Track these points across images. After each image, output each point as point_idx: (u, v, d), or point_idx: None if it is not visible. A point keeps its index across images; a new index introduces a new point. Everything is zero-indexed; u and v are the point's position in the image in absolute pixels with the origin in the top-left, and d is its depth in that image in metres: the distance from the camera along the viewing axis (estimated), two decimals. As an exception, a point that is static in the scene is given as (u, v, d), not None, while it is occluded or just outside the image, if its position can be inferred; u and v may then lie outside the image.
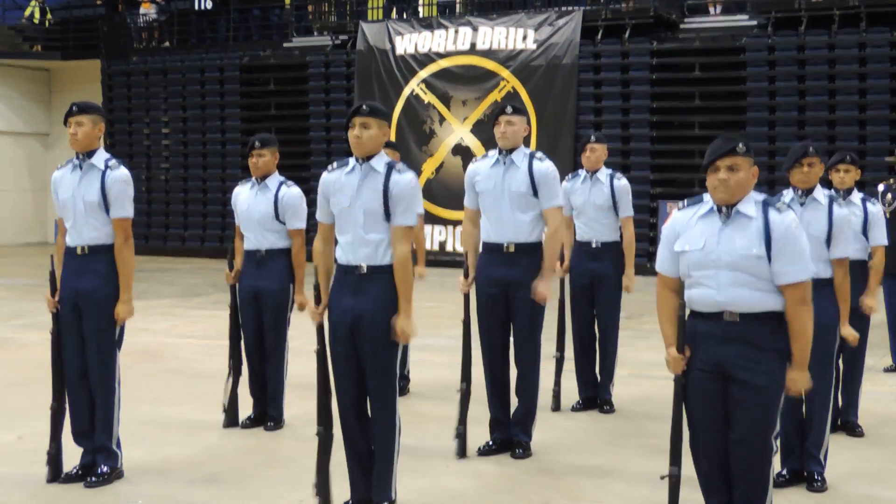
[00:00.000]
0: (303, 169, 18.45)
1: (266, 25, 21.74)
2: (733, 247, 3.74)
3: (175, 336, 10.04)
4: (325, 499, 4.48)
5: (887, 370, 8.14)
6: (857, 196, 6.12)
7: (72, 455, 5.13)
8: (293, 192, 6.23)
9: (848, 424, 6.23)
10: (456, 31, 17.82)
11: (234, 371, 6.29)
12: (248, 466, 5.46)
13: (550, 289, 5.64)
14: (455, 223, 16.85)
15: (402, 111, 18.08)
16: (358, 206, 4.43)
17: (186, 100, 20.81)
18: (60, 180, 5.17)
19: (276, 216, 6.16)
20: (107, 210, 5.04)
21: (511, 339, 5.72)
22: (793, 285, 3.71)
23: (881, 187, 8.39)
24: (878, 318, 6.66)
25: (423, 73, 18.00)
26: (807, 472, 5.18)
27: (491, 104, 17.19)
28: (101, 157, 5.11)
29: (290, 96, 19.71)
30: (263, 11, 21.74)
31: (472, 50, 17.66)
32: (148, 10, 21.98)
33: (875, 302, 6.31)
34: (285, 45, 20.40)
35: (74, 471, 5.10)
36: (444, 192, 17.33)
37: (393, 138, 15.65)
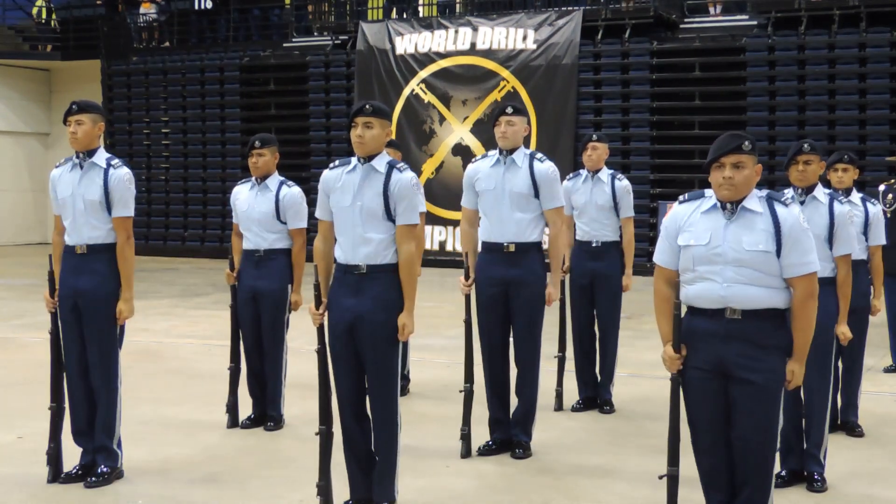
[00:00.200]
0: (303, 169, 18.45)
1: (266, 25, 21.74)
2: (740, 243, 3.75)
3: (175, 336, 10.03)
4: (327, 498, 4.48)
5: (887, 370, 8.13)
6: (856, 196, 6.13)
7: (72, 455, 5.13)
8: (294, 191, 6.23)
9: (848, 424, 6.24)
10: (456, 31, 17.82)
11: (234, 372, 6.30)
12: (248, 466, 5.46)
13: (559, 290, 5.70)
14: (455, 223, 16.84)
15: (402, 111, 18.08)
16: (358, 205, 4.43)
17: (186, 100, 20.81)
18: (59, 178, 5.17)
19: (277, 216, 6.16)
20: (108, 209, 5.04)
21: (511, 338, 5.72)
22: (803, 277, 3.73)
23: (882, 187, 8.40)
24: (879, 317, 6.67)
25: (423, 73, 17.99)
26: (807, 472, 5.18)
27: (491, 104, 17.19)
28: (102, 156, 5.11)
29: (290, 96, 19.71)
30: (263, 11, 21.73)
31: (472, 50, 17.66)
32: (148, 10, 21.97)
33: (880, 303, 6.34)
34: (285, 45, 20.39)
35: (74, 471, 5.09)
36: (444, 192, 17.32)
37: (393, 138, 15.64)
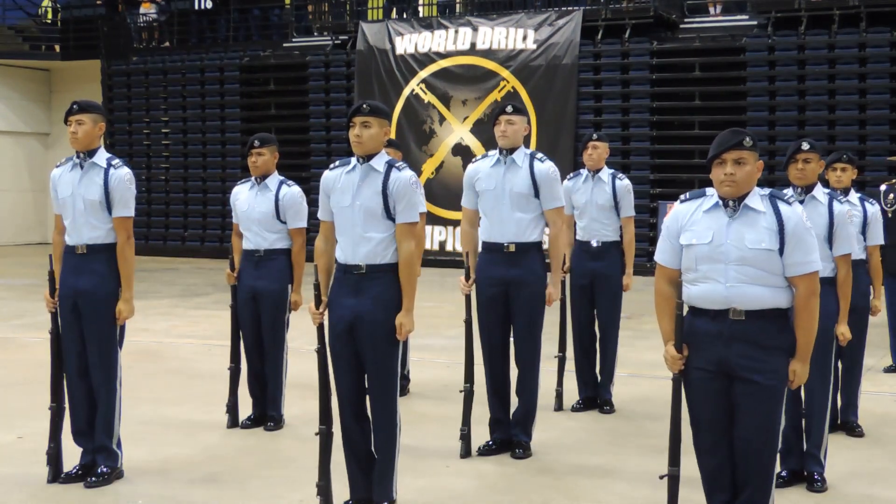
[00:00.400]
0: (303, 169, 18.45)
1: (266, 25, 21.74)
2: (742, 241, 3.74)
3: (175, 336, 10.03)
4: (327, 498, 4.48)
5: (887, 370, 8.13)
6: (855, 196, 6.14)
7: (72, 455, 5.13)
8: (294, 191, 6.22)
9: (847, 424, 6.23)
10: (456, 31, 17.82)
11: (234, 372, 6.30)
12: (248, 466, 5.46)
13: (559, 290, 5.73)
14: (455, 223, 16.84)
15: (402, 111, 18.08)
16: (357, 205, 4.43)
17: (186, 100, 20.81)
18: (60, 178, 5.17)
19: (277, 216, 6.16)
20: (108, 209, 5.04)
21: (511, 338, 5.72)
22: (805, 276, 3.72)
23: (883, 187, 8.39)
24: (879, 317, 6.67)
25: (423, 73, 17.99)
26: (807, 472, 5.18)
27: (491, 104, 17.19)
28: (102, 156, 5.11)
29: (290, 96, 19.71)
30: (263, 11, 21.74)
31: (472, 50, 17.66)
32: (148, 10, 21.98)
33: (881, 303, 6.34)
34: (285, 45, 20.39)
35: (74, 471, 5.09)
36: (444, 192, 17.32)
37: (393, 137, 15.63)
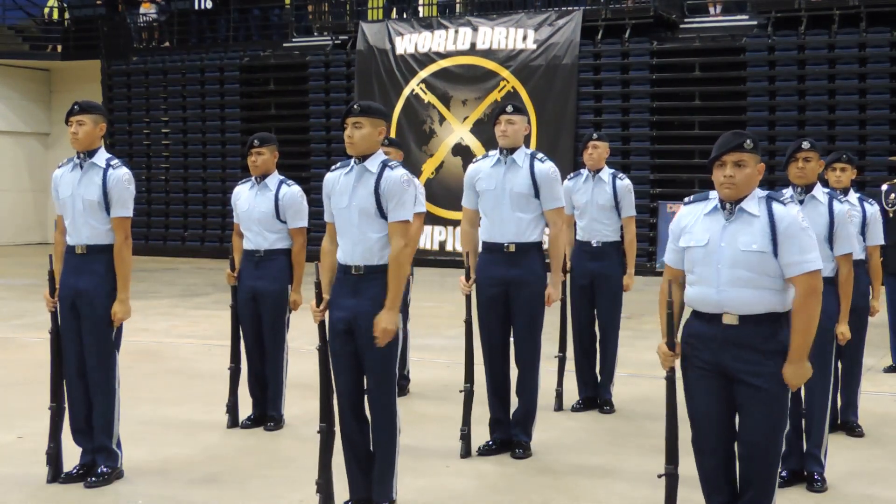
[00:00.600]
0: (303, 169, 18.45)
1: (266, 25, 21.74)
2: (735, 243, 3.73)
3: (175, 336, 10.03)
4: (327, 496, 4.48)
5: (887, 370, 8.13)
6: (854, 196, 6.13)
7: (72, 455, 5.12)
8: (294, 190, 6.22)
9: (847, 424, 6.23)
10: (456, 31, 17.82)
11: (234, 372, 6.30)
12: (248, 466, 5.46)
13: (559, 291, 5.74)
14: (455, 223, 16.84)
15: (402, 111, 18.08)
16: (354, 206, 4.44)
17: (186, 100, 20.81)
18: (61, 179, 5.18)
19: (277, 215, 6.16)
20: (107, 209, 5.04)
21: (511, 338, 5.72)
22: (803, 276, 3.68)
23: (885, 187, 8.38)
24: (879, 317, 6.67)
25: (423, 73, 18.00)
26: (807, 472, 5.18)
27: (491, 104, 17.19)
28: (102, 156, 5.11)
29: (290, 96, 19.71)
30: (263, 11, 21.74)
31: (472, 50, 17.66)
32: (148, 10, 21.98)
33: (879, 303, 6.34)
34: (285, 45, 20.39)
35: (74, 471, 5.09)
36: (444, 192, 17.32)
37: (393, 137, 15.65)
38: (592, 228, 6.81)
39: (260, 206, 6.18)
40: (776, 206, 3.75)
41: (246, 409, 6.33)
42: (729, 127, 15.67)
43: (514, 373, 5.74)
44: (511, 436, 5.70)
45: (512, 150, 5.65)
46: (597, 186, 6.81)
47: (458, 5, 19.38)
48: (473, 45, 17.65)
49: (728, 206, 3.79)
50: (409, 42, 18.16)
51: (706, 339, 3.78)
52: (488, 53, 17.51)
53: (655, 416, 6.44)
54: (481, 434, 5.72)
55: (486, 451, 5.65)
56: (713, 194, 3.88)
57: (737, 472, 3.88)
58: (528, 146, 5.79)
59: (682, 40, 17.12)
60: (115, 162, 5.12)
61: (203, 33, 21.86)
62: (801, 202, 5.11)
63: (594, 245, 6.80)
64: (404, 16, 19.40)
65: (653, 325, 10.58)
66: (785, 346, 3.74)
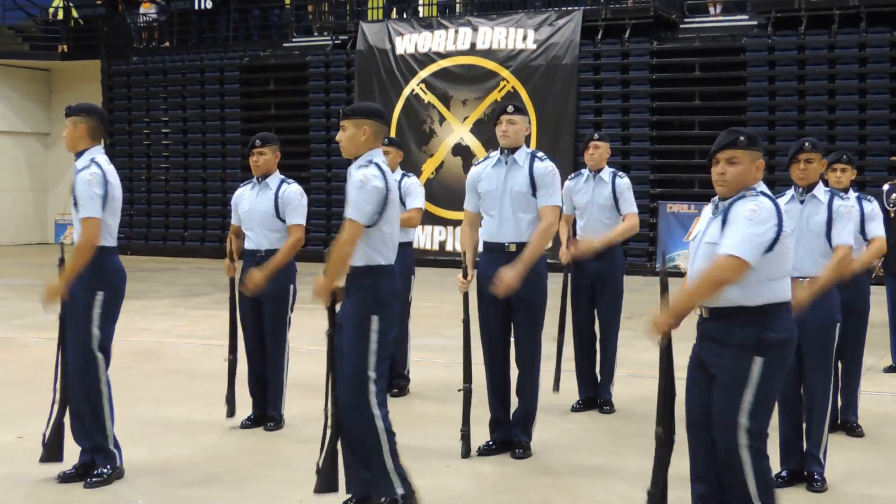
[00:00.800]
0: (303, 169, 18.47)
1: (266, 25, 21.75)
2: (707, 237, 3.82)
3: (175, 336, 10.03)
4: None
5: (887, 370, 8.13)
6: (852, 195, 6.11)
7: (72, 454, 5.12)
8: (293, 188, 6.22)
9: (847, 424, 6.23)
10: (456, 31, 17.82)
11: (232, 364, 6.27)
12: (248, 466, 5.45)
13: (514, 278, 5.40)
14: (455, 223, 16.84)
15: (402, 111, 18.09)
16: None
17: (186, 100, 20.82)
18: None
19: (277, 214, 6.15)
20: (75, 206, 5.02)
21: (512, 338, 5.72)
22: (724, 256, 3.67)
23: (886, 187, 8.38)
24: (879, 317, 6.67)
25: (423, 73, 18.00)
26: (807, 472, 5.17)
27: (491, 104, 17.19)
28: (85, 157, 5.08)
29: (290, 96, 19.72)
30: (263, 11, 21.75)
31: (472, 50, 17.66)
32: (148, 10, 21.99)
33: (860, 265, 5.85)
34: (285, 45, 20.40)
35: (73, 471, 5.09)
36: (444, 192, 17.32)
37: (393, 137, 15.66)
38: (593, 228, 6.79)
39: (261, 206, 6.18)
40: (738, 203, 3.77)
41: (245, 403, 6.31)
42: (729, 126, 15.72)
43: (514, 373, 5.74)
44: (511, 436, 5.70)
45: (513, 150, 5.65)
46: (597, 186, 6.81)
47: (458, 5, 19.39)
48: (473, 45, 17.65)
49: (720, 203, 3.86)
50: (409, 42, 18.17)
51: (697, 333, 3.91)
52: (488, 53, 17.51)
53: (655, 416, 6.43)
54: (481, 434, 5.72)
55: (486, 452, 5.65)
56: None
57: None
58: (528, 146, 5.78)
59: (682, 40, 17.12)
60: (87, 163, 5.04)
61: (203, 33, 21.87)
62: (801, 202, 5.11)
63: (594, 245, 6.80)
64: (404, 16, 19.41)
65: (653, 325, 10.58)
66: (750, 340, 3.74)
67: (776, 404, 5.14)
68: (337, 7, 20.72)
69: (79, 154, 5.10)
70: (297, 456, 5.53)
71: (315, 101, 19.51)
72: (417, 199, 7.12)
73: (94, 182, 4.98)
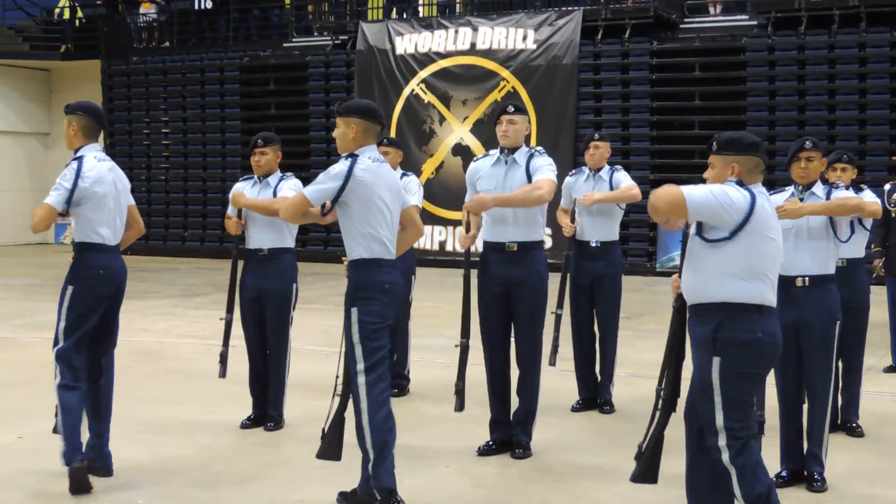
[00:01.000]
0: (303, 169, 18.41)
1: (266, 25, 21.74)
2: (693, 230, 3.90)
3: (175, 336, 10.03)
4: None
5: (887, 370, 8.13)
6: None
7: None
8: (291, 180, 6.21)
9: (848, 424, 6.23)
10: (456, 32, 17.82)
11: (228, 323, 6.28)
12: (248, 466, 5.45)
13: (490, 203, 5.46)
14: (455, 223, 16.85)
15: (402, 111, 18.08)
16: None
17: (186, 100, 20.81)
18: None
19: (277, 211, 6.14)
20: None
21: (512, 338, 5.72)
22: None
23: (887, 187, 8.38)
24: (879, 317, 6.67)
25: (423, 73, 17.99)
26: (807, 472, 5.17)
27: (491, 104, 17.19)
28: (75, 155, 5.11)
29: (290, 96, 19.71)
30: (263, 11, 21.74)
31: (472, 50, 17.66)
32: (148, 10, 21.98)
33: (820, 206, 5.24)
34: (285, 45, 20.39)
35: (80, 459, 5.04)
36: (444, 192, 17.33)
37: (393, 136, 15.65)
38: (593, 227, 6.79)
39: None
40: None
41: (246, 408, 6.31)
42: (729, 127, 15.68)
43: (514, 373, 5.74)
44: (511, 436, 5.70)
45: (513, 150, 5.65)
46: (597, 184, 6.81)
47: (458, 5, 19.39)
48: (473, 45, 17.65)
49: None
50: (409, 42, 18.16)
51: None
52: (488, 53, 17.51)
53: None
54: (481, 435, 5.72)
55: (486, 452, 5.65)
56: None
57: None
58: (528, 146, 5.78)
59: (682, 40, 17.12)
60: (74, 159, 5.05)
61: (203, 33, 21.86)
62: (801, 200, 5.12)
63: (594, 245, 6.79)
64: (404, 16, 19.40)
65: (653, 325, 10.58)
66: (705, 339, 3.77)
67: (778, 404, 5.17)
68: (337, 7, 20.72)
69: (75, 152, 5.11)
70: (297, 456, 5.53)
71: (315, 101, 19.51)
72: (414, 196, 7.12)
73: (66, 175, 4.98)
